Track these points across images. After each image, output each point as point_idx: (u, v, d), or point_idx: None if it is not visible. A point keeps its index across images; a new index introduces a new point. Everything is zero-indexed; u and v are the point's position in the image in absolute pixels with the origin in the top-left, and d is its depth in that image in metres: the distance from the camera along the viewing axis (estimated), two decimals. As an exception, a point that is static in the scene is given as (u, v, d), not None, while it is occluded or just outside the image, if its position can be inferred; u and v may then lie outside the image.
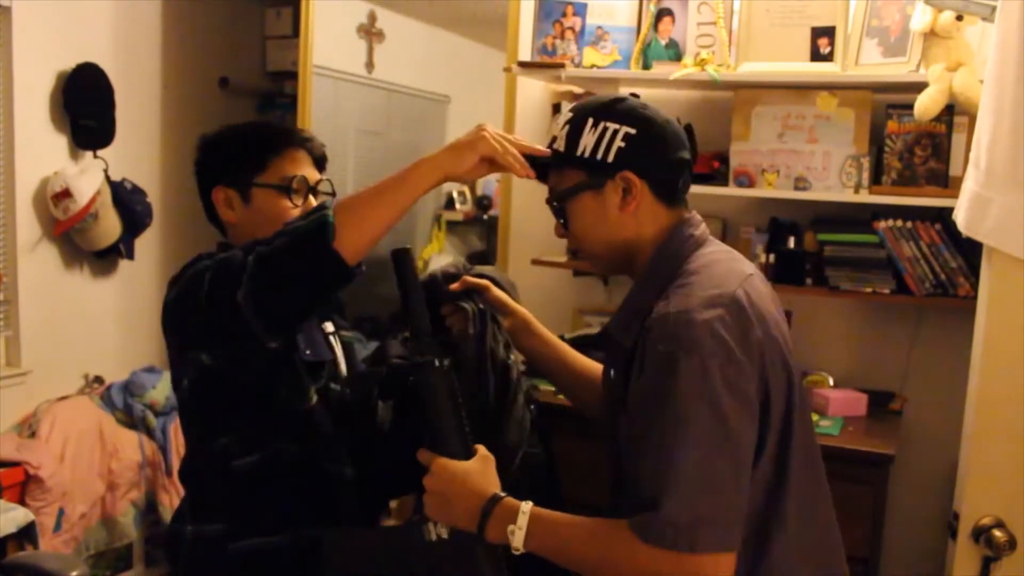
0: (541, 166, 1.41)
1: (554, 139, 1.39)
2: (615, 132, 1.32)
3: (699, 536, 1.14)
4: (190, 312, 1.36)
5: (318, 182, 1.55)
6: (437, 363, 1.31)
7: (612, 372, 1.39)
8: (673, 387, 1.17)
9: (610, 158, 1.32)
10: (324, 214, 1.27)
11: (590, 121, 1.34)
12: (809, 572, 1.30)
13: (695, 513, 1.14)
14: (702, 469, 1.15)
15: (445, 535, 1.30)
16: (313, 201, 1.52)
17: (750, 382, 1.20)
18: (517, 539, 1.22)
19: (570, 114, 1.38)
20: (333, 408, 1.51)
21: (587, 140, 1.33)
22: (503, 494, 1.27)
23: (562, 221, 1.39)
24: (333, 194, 1.57)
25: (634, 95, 1.39)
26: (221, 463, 1.44)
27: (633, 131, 1.32)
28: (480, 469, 1.30)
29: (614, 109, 1.34)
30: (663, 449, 1.17)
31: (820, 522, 1.35)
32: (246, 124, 1.59)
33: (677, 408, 1.16)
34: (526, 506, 1.23)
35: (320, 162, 1.57)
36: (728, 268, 1.30)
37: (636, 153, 1.32)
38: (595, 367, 1.62)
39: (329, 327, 1.63)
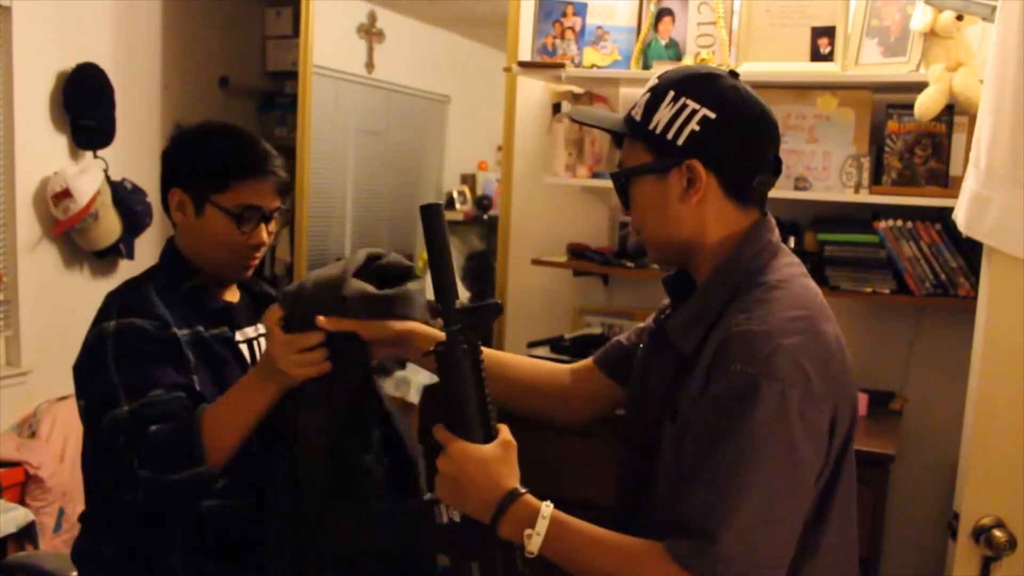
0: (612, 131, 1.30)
1: (634, 106, 1.24)
2: (693, 112, 1.17)
3: (748, 572, 1.07)
4: (92, 405, 1.43)
5: (275, 210, 1.52)
6: (463, 335, 1.19)
7: (655, 373, 1.28)
8: (749, 414, 1.07)
9: (680, 141, 1.17)
10: (192, 453, 1.30)
11: (671, 94, 1.19)
12: None
13: (753, 554, 1.07)
14: (767, 509, 1.07)
15: (457, 519, 1.20)
16: (264, 232, 1.49)
17: (823, 415, 1.11)
18: (534, 544, 1.12)
19: (656, 81, 1.23)
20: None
21: (662, 115, 1.19)
22: (523, 489, 1.16)
23: (623, 197, 1.26)
24: (287, 223, 1.59)
25: (733, 73, 1.24)
26: (131, 515, 1.41)
27: (713, 115, 1.17)
28: (501, 456, 1.18)
29: (701, 86, 1.19)
30: (727, 478, 1.07)
31: (850, 557, 1.26)
32: (222, 132, 1.54)
33: (750, 438, 1.07)
34: (546, 509, 1.14)
35: (285, 187, 1.53)
36: (806, 285, 1.20)
37: (710, 141, 1.17)
38: (522, 364, 1.51)
39: (263, 328, 1.59)
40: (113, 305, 1.46)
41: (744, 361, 1.09)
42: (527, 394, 1.49)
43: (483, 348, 1.24)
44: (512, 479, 1.18)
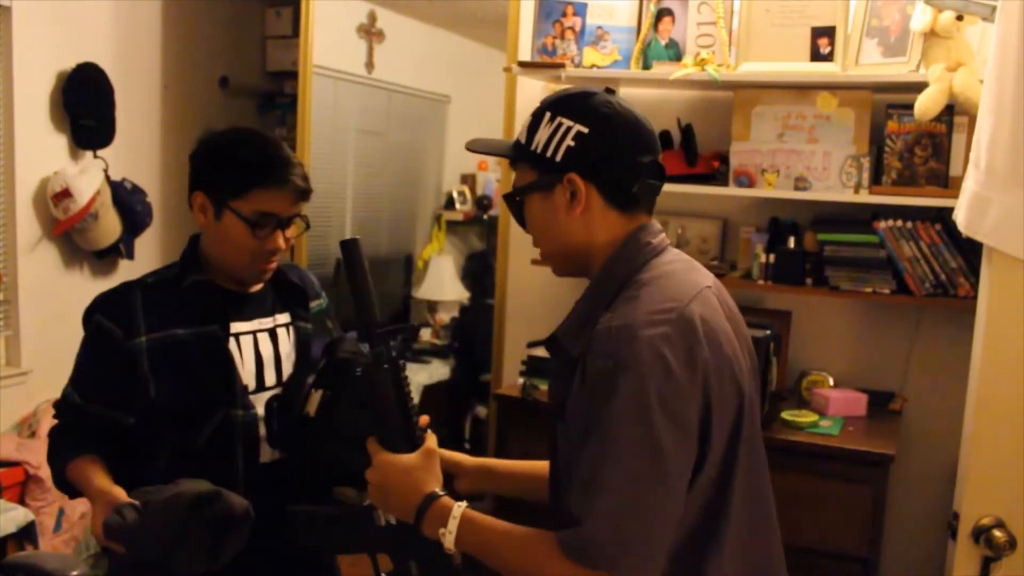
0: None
1: (521, 130, 1.32)
2: (567, 129, 1.23)
3: (619, 559, 1.11)
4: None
5: (293, 217, 1.55)
6: (385, 355, 1.31)
7: (552, 378, 1.35)
8: (608, 405, 1.12)
9: (558, 157, 1.24)
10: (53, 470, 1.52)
11: (547, 115, 1.26)
12: None
13: (618, 535, 1.11)
14: (629, 492, 1.11)
15: (393, 521, 1.33)
16: (280, 238, 1.54)
17: (689, 405, 1.14)
18: (448, 541, 1.22)
19: (538, 105, 1.30)
20: (234, 435, 1.51)
21: (541, 135, 1.26)
22: (441, 492, 1.27)
23: (519, 220, 1.34)
24: (308, 227, 1.61)
25: (609, 90, 1.29)
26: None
27: (586, 130, 1.23)
28: (421, 464, 1.30)
29: (574, 104, 1.25)
30: (593, 467, 1.13)
31: (760, 547, 1.29)
32: (245, 139, 1.56)
33: (610, 427, 1.12)
34: (457, 509, 1.23)
35: (304, 195, 1.55)
36: (682, 280, 1.23)
37: (584, 153, 1.23)
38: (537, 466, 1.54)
39: (283, 318, 1.64)
40: (94, 305, 1.59)
41: (603, 355, 1.14)
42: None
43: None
44: (431, 484, 1.29)
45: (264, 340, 1.60)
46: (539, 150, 1.26)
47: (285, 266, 1.68)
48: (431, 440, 1.34)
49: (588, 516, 1.12)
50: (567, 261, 1.32)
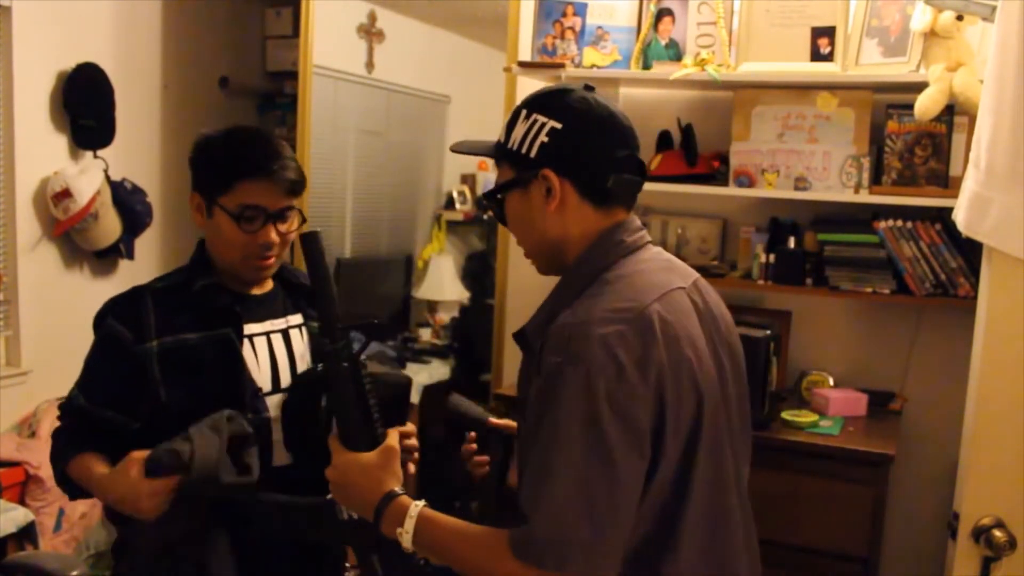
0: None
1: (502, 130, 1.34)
2: (542, 126, 1.24)
3: (566, 558, 1.09)
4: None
5: (283, 210, 1.51)
6: (344, 352, 1.31)
7: (521, 377, 1.34)
8: (555, 402, 1.12)
9: (533, 153, 1.24)
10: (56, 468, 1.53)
11: (523, 113, 1.27)
12: None
13: (563, 533, 1.09)
14: (575, 490, 1.10)
15: (356, 516, 1.34)
16: (272, 231, 1.51)
17: (640, 406, 1.12)
18: (405, 541, 1.21)
19: (517, 104, 1.32)
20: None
21: (517, 132, 1.26)
22: (399, 491, 1.26)
23: (500, 218, 1.34)
24: (304, 220, 1.57)
25: (588, 87, 1.29)
26: None
27: (559, 125, 1.23)
28: (380, 463, 1.29)
29: (549, 101, 1.26)
30: (540, 465, 1.12)
31: (720, 553, 1.25)
32: (231, 135, 1.55)
33: (557, 424, 1.11)
34: (414, 509, 1.22)
35: (293, 187, 1.52)
36: (649, 280, 1.22)
37: (558, 149, 1.23)
38: None
39: (295, 319, 1.63)
40: (106, 309, 1.57)
41: (555, 352, 1.14)
42: None
43: None
44: (390, 482, 1.28)
45: (278, 341, 1.59)
46: (515, 147, 1.26)
47: (293, 268, 1.67)
48: (392, 438, 1.33)
49: (534, 514, 1.11)
50: (547, 258, 1.32)
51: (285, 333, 1.61)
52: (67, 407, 1.55)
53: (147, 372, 1.48)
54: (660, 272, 1.25)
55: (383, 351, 1.49)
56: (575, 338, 1.13)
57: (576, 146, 1.24)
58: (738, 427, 1.32)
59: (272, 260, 1.56)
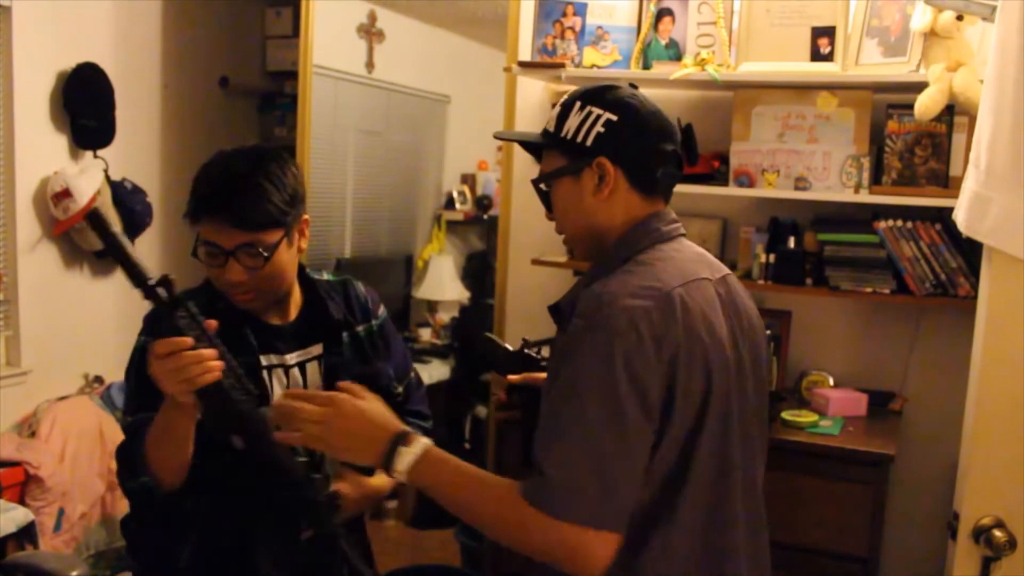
0: (536, 147, 1.45)
1: (549, 120, 1.40)
2: (597, 117, 1.33)
3: (571, 504, 1.15)
4: None
5: (243, 245, 1.44)
6: (172, 301, 1.30)
7: (554, 347, 1.41)
8: (574, 360, 1.20)
9: (588, 142, 1.32)
10: (136, 465, 1.43)
11: (578, 104, 1.35)
12: (693, 570, 1.27)
13: (571, 481, 1.16)
14: (586, 441, 1.17)
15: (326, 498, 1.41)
16: (234, 271, 1.46)
17: (653, 377, 1.19)
18: (403, 462, 1.24)
19: (565, 96, 1.40)
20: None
21: (571, 123, 1.34)
22: (410, 430, 1.30)
23: (545, 203, 1.42)
24: (267, 259, 1.47)
25: (633, 85, 1.40)
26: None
27: (615, 117, 1.32)
28: (384, 409, 1.33)
29: (602, 95, 1.35)
30: (554, 416, 1.20)
31: (716, 543, 1.29)
32: (205, 166, 1.52)
33: (574, 379, 1.19)
34: (421, 443, 1.26)
35: (252, 223, 1.44)
36: (678, 267, 1.29)
37: (614, 139, 1.32)
38: None
39: (316, 350, 1.61)
40: (145, 322, 1.56)
41: (582, 316, 1.23)
42: None
43: None
44: (399, 424, 1.32)
45: (294, 374, 1.58)
46: (569, 136, 1.34)
47: (330, 291, 1.65)
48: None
49: (547, 462, 1.18)
50: (588, 243, 1.39)
51: (302, 366, 1.59)
52: (126, 427, 1.52)
53: None
54: (690, 262, 1.33)
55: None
56: (603, 305, 1.21)
57: (630, 138, 1.33)
58: (754, 425, 1.36)
59: (250, 296, 1.50)
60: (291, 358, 1.59)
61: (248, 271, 1.46)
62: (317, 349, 1.61)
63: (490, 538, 1.27)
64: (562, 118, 1.36)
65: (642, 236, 1.33)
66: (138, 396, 1.49)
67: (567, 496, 1.16)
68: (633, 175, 1.34)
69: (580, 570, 1.18)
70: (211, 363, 1.29)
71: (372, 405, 1.33)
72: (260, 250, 1.46)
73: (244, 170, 1.48)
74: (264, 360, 1.54)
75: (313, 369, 1.60)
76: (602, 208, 1.34)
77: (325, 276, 1.71)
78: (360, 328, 1.68)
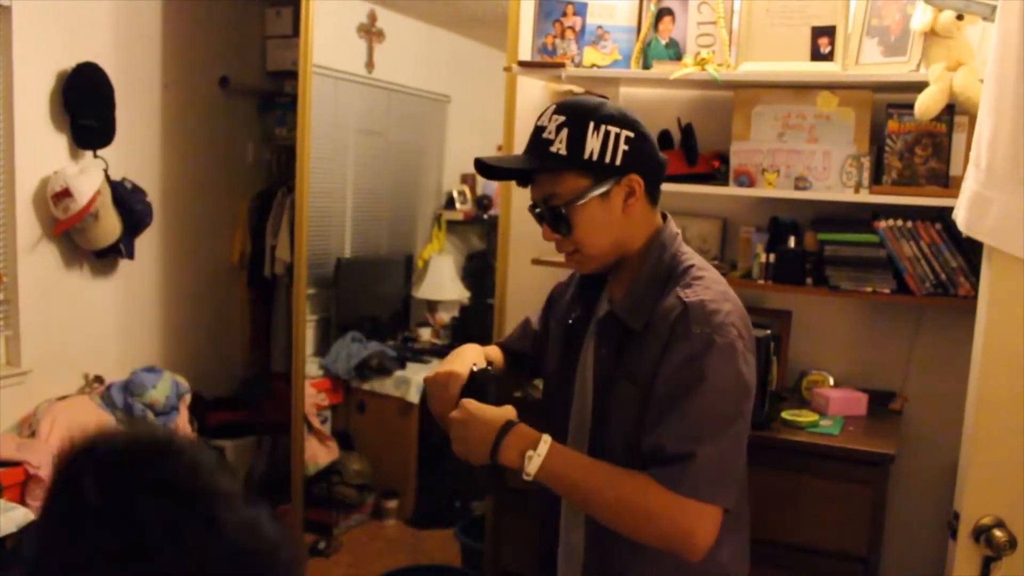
0: (523, 172, 1.44)
1: (548, 142, 1.38)
2: (618, 136, 1.36)
3: (719, 492, 1.30)
4: None
5: None
6: None
7: (604, 349, 1.48)
8: (709, 362, 1.32)
9: (618, 161, 1.37)
10: None
11: (591, 124, 1.37)
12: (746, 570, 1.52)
13: (722, 467, 1.31)
14: (728, 432, 1.32)
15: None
16: None
17: (754, 360, 1.39)
18: (533, 465, 1.32)
19: (562, 117, 1.38)
20: None
21: (593, 144, 1.36)
22: (518, 421, 1.38)
23: (562, 226, 1.43)
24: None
25: (603, 97, 1.48)
26: None
27: (632, 134, 1.38)
28: (496, 407, 1.41)
29: (608, 113, 1.38)
30: (696, 411, 1.31)
31: (746, 540, 1.54)
32: None
33: (710, 378, 1.32)
34: (545, 439, 1.34)
35: None
36: (710, 265, 1.48)
37: (639, 155, 1.38)
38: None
39: None
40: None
41: (701, 324, 1.36)
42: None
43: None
44: (509, 415, 1.41)
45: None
46: (595, 157, 1.37)
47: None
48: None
49: (698, 448, 1.29)
50: (611, 257, 1.46)
51: None
52: None
53: None
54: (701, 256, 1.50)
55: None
56: (716, 313, 1.36)
57: (649, 152, 1.42)
58: None
59: None
60: None
61: None
62: None
63: (604, 522, 1.35)
64: (577, 140, 1.37)
65: (671, 240, 1.45)
66: None
67: (716, 485, 1.30)
68: (650, 187, 1.42)
69: (694, 548, 1.29)
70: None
71: (476, 404, 1.42)
72: None
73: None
74: None
75: None
76: (628, 222, 1.42)
77: None
78: None
